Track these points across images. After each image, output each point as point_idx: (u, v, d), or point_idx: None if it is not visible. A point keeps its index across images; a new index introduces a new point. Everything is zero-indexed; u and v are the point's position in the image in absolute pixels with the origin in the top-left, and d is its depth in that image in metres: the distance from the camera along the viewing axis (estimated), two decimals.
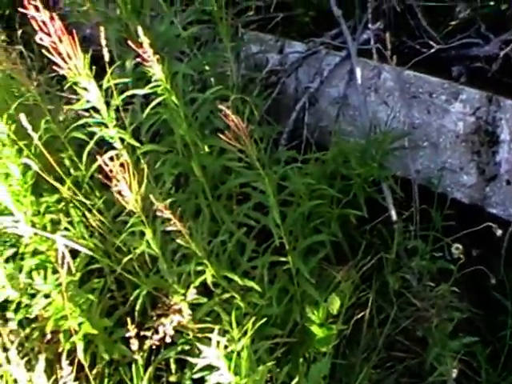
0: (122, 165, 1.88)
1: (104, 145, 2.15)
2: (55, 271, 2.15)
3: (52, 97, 2.57)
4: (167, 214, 1.85)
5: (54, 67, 1.88)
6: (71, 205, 2.26)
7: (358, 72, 2.52)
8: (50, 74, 2.64)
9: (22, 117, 2.04)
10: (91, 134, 2.07)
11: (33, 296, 2.16)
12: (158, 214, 1.86)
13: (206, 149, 2.18)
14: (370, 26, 2.67)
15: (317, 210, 2.11)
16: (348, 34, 2.67)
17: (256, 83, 2.59)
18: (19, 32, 3.07)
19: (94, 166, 2.09)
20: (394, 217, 2.26)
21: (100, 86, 1.98)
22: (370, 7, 2.68)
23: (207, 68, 2.58)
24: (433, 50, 2.52)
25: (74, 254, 2.10)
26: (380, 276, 2.17)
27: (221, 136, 1.86)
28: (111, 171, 1.87)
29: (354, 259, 2.16)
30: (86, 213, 2.21)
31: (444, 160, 2.35)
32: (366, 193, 2.18)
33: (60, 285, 2.07)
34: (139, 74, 2.23)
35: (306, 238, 2.06)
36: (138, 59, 1.90)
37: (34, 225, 2.21)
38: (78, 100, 2.24)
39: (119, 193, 1.90)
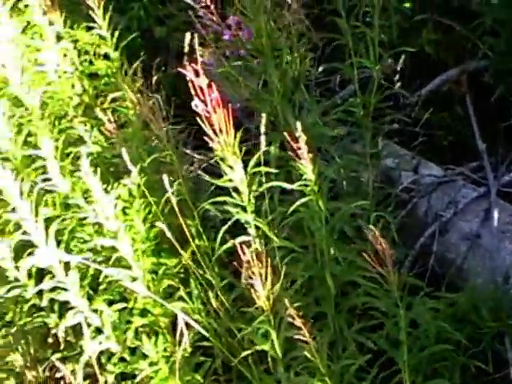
0: (257, 256, 1.87)
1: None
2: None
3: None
4: (299, 322, 1.83)
5: (205, 138, 1.86)
6: (193, 276, 2.23)
7: (496, 214, 2.48)
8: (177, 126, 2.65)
9: (165, 178, 2.03)
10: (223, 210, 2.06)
11: (133, 351, 2.13)
12: (289, 319, 1.84)
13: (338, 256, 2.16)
14: None
15: (443, 353, 2.05)
16: (490, 171, 2.65)
17: (390, 198, 2.56)
18: (154, 78, 3.10)
19: (225, 247, 2.07)
20: None
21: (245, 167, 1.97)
22: None
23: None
24: None
25: None
26: None
27: (365, 256, 1.84)
28: (247, 261, 1.86)
29: None
30: (209, 292, 2.17)
31: None
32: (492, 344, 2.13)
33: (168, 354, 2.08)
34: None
35: (427, 377, 2.01)
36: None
37: (149, 283, 2.18)
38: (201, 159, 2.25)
39: (251, 285, 1.88)
